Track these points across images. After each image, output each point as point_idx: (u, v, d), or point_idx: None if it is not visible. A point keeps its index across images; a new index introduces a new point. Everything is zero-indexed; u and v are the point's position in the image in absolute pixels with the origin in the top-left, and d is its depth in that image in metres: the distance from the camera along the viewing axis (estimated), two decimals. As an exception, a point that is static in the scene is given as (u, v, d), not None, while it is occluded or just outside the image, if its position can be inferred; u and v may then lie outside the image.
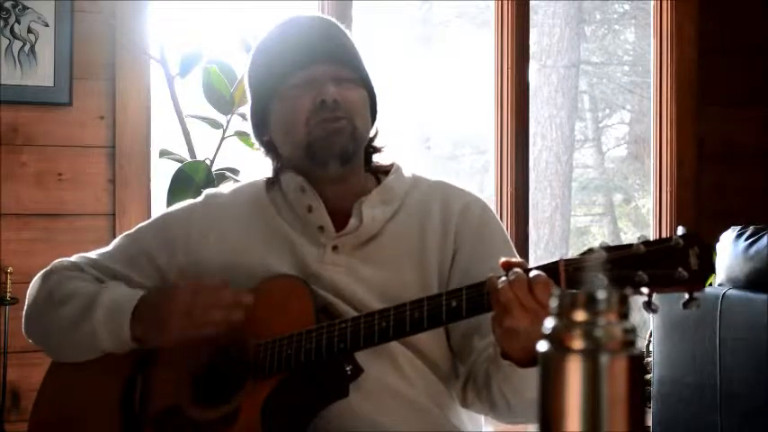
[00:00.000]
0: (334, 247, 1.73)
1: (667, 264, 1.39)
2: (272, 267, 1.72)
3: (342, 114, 1.71)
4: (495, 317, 1.47)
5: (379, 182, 1.81)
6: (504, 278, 1.45)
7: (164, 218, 1.87)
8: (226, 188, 1.91)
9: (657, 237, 3.71)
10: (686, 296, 1.39)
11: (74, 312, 1.73)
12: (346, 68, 1.75)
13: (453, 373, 1.76)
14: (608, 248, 1.42)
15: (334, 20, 1.83)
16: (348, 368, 1.59)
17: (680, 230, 1.43)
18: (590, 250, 1.43)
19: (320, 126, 1.71)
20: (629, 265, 1.39)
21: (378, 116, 1.81)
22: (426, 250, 1.73)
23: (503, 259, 1.49)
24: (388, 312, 1.56)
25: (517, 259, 1.50)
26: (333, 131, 1.71)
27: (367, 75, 1.79)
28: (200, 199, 1.87)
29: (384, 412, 1.65)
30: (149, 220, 1.90)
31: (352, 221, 1.73)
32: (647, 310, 1.39)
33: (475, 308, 1.51)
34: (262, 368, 1.62)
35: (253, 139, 1.86)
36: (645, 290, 1.38)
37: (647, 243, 1.41)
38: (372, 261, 1.73)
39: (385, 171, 1.83)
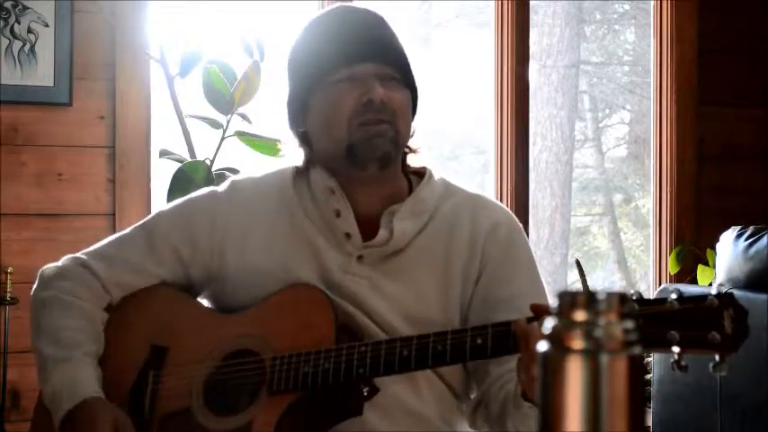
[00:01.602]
0: (360, 257, 1.69)
1: (700, 324, 1.36)
2: (294, 271, 1.69)
3: (386, 117, 1.66)
4: (522, 362, 1.46)
5: (410, 184, 1.77)
6: (532, 322, 1.44)
7: (186, 207, 1.80)
8: (251, 177, 1.84)
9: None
10: (716, 358, 1.37)
11: (39, 355, 1.71)
12: (393, 68, 1.70)
13: (466, 391, 1.75)
14: (640, 301, 1.39)
15: (382, 15, 1.77)
16: (365, 390, 1.58)
17: (714, 290, 1.40)
18: None
19: (363, 128, 1.66)
20: (660, 322, 1.36)
21: (416, 116, 1.76)
22: (451, 270, 1.70)
23: (533, 303, 1.47)
24: (410, 342, 1.54)
25: (548, 304, 1.48)
26: (375, 134, 1.66)
27: (412, 75, 1.74)
28: (224, 188, 1.80)
29: (394, 426, 1.65)
30: (169, 208, 1.83)
31: (382, 233, 1.69)
32: (675, 370, 1.37)
33: (500, 349, 1.50)
34: (278, 383, 1.59)
35: (287, 128, 1.78)
36: (675, 349, 1.36)
37: (681, 300, 1.38)
38: (396, 276, 1.69)
39: (416, 173, 1.78)
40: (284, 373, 1.59)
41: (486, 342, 1.50)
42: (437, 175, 1.78)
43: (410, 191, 1.76)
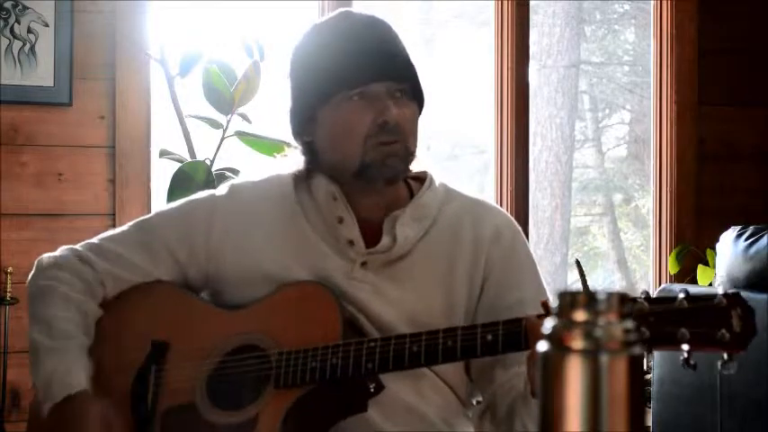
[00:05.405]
0: (363, 263, 1.70)
1: (709, 322, 1.39)
2: (293, 275, 1.69)
3: (399, 138, 1.67)
4: (533, 357, 1.47)
5: (410, 189, 1.77)
6: (543, 318, 1.45)
7: (183, 209, 1.80)
8: (251, 181, 1.83)
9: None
10: (725, 356, 1.38)
11: (31, 342, 1.70)
12: (404, 83, 1.69)
13: (468, 396, 1.76)
14: (649, 300, 1.41)
15: (389, 24, 1.75)
16: (372, 386, 1.58)
17: (720, 290, 1.42)
18: (633, 301, 1.42)
19: (377, 149, 1.66)
20: (670, 320, 1.39)
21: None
22: (455, 275, 1.71)
23: (543, 300, 1.49)
24: (420, 338, 1.54)
25: None
26: (389, 153, 1.66)
27: (420, 86, 1.73)
28: (224, 191, 1.80)
29: (396, 425, 1.65)
30: (169, 209, 1.83)
31: (385, 240, 1.70)
32: (685, 367, 1.39)
33: (511, 345, 1.51)
34: (285, 377, 1.60)
35: (291, 136, 1.77)
36: (685, 347, 1.38)
37: (689, 299, 1.40)
38: (400, 281, 1.70)
39: (416, 178, 1.79)
40: (291, 368, 1.59)
41: (498, 338, 1.51)
42: (437, 179, 1.79)
43: (411, 196, 1.76)
